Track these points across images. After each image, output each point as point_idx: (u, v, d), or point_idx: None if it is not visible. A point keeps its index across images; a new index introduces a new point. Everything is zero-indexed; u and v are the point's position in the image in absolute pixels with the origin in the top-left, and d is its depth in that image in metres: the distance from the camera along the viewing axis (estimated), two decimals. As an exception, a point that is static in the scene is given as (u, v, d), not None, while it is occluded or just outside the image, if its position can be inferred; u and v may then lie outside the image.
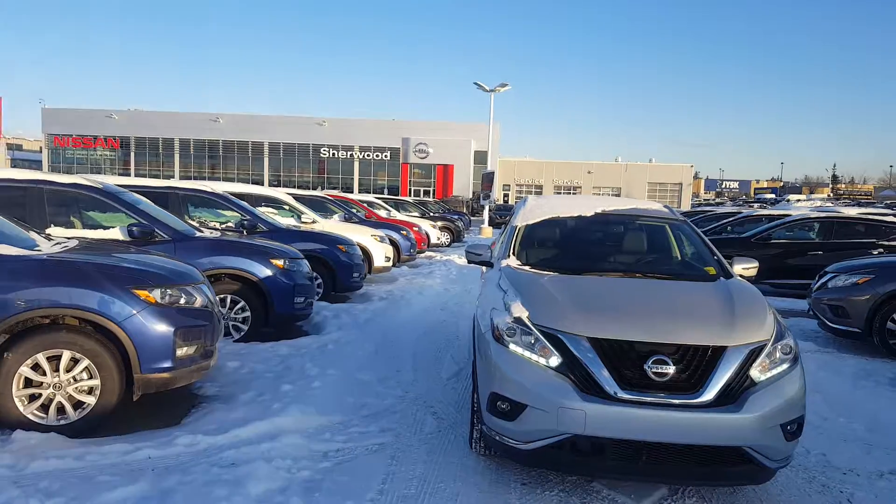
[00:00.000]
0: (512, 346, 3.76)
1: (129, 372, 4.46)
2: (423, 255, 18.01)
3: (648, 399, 3.46)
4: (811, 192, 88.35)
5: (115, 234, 6.51)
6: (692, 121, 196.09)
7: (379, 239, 12.38)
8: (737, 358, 3.56)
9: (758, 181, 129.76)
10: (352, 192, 53.91)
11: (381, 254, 12.37)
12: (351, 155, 67.72)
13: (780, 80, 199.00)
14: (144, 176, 61.35)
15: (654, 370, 3.50)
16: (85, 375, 4.37)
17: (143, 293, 4.51)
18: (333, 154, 68.00)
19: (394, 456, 4.25)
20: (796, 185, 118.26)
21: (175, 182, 9.82)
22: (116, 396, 4.42)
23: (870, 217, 13.37)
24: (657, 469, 3.56)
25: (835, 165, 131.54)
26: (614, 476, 3.77)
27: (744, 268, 5.00)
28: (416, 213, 24.76)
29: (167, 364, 4.56)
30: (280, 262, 7.05)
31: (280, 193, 12.51)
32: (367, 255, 11.96)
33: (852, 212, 16.32)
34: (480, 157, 61.47)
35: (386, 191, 60.44)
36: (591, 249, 5.51)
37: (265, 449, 4.17)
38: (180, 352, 4.64)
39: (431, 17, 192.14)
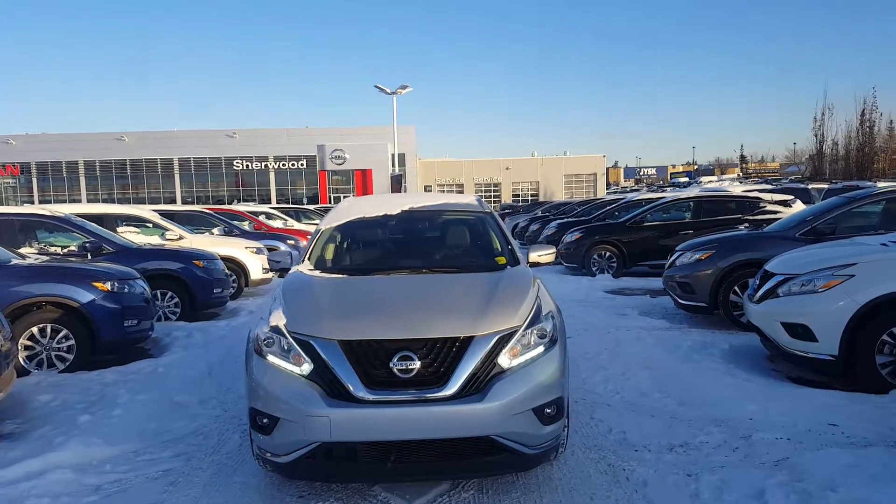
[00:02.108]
0: (270, 358, 3.63)
1: None
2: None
3: (393, 398, 3.39)
4: (722, 174, 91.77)
5: (-89, 269, 6.06)
6: (606, 112, 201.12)
7: (255, 251, 12.05)
8: (483, 347, 3.51)
9: (674, 166, 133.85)
10: (269, 202, 52.95)
11: (257, 266, 12.02)
12: (266, 166, 66.45)
13: (686, 65, 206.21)
14: (50, 202, 58.63)
15: (399, 367, 3.42)
16: None
17: None
18: (247, 166, 66.53)
19: (174, 482, 4.05)
20: (710, 168, 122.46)
21: (7, 208, 9.29)
22: None
23: (735, 195, 13.86)
24: (412, 468, 3.49)
25: (742, 146, 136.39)
26: (370, 480, 3.71)
27: (539, 255, 5.02)
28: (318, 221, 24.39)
29: (-71, 406, 4.24)
30: (104, 285, 6.71)
31: (144, 211, 12.07)
32: (242, 269, 11.65)
33: (737, 190, 16.95)
34: (399, 160, 61.36)
35: (306, 200, 59.62)
36: (388, 248, 5.47)
37: (24, 488, 3.90)
38: (-55, 392, 4.31)
39: (336, 21, 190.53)
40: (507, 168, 75.13)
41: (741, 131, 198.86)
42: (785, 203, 12.85)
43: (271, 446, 3.54)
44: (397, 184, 33.76)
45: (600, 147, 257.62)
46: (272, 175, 66.55)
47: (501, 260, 4.87)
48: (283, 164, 66.47)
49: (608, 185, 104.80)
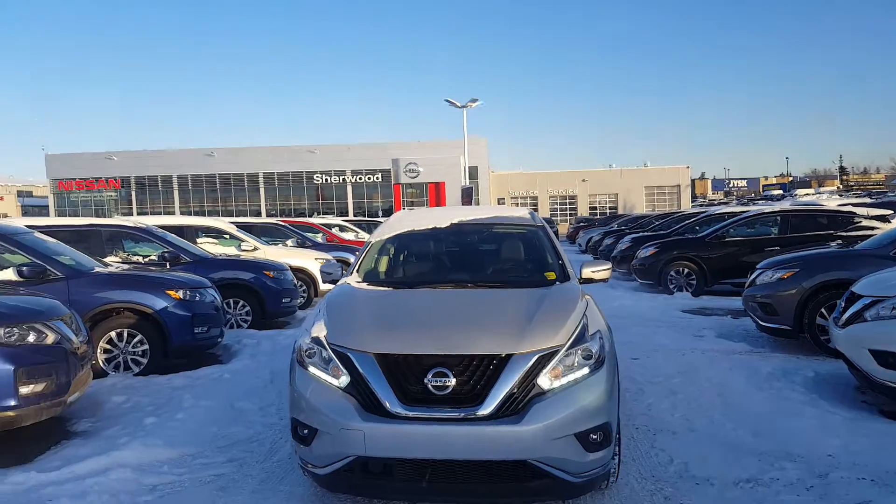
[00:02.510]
0: (311, 369, 3.63)
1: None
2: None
3: (427, 415, 3.30)
4: (819, 186, 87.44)
5: (8, 274, 6.43)
6: (692, 122, 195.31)
7: (324, 262, 12.28)
8: (521, 366, 3.38)
9: (766, 178, 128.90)
10: (346, 215, 54.12)
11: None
12: (344, 179, 68.04)
13: (778, 73, 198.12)
14: (147, 214, 61.82)
15: (434, 384, 3.34)
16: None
17: (-24, 333, 4.40)
18: (327, 180, 68.32)
19: (223, 486, 4.11)
20: (805, 180, 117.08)
21: (96, 220, 9.82)
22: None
23: (826, 209, 13.13)
24: (447, 488, 3.39)
25: (841, 157, 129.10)
26: (404, 498, 3.61)
27: (592, 270, 4.86)
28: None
29: (10, 402, 4.46)
30: (177, 293, 6.94)
31: (221, 223, 12.53)
32: (312, 279, 11.90)
33: (832, 204, 16.09)
34: (472, 173, 61.53)
35: (381, 213, 60.61)
36: (435, 262, 5.43)
37: (89, 484, 4.05)
38: (25, 389, 4.53)
39: (416, 34, 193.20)
40: (583, 180, 74.02)
41: (840, 141, 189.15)
42: (883, 218, 12.06)
43: (311, 457, 3.53)
44: (467, 196, 33.76)
45: (684, 158, 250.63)
46: (349, 188, 68.03)
47: (551, 275, 4.73)
48: (360, 178, 67.87)
49: (694, 197, 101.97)
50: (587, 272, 4.89)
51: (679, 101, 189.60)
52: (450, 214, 5.70)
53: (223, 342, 8.14)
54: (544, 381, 3.41)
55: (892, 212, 12.58)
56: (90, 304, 6.55)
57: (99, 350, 6.67)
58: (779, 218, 13.18)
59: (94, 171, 69.21)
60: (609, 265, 5.09)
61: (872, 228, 11.52)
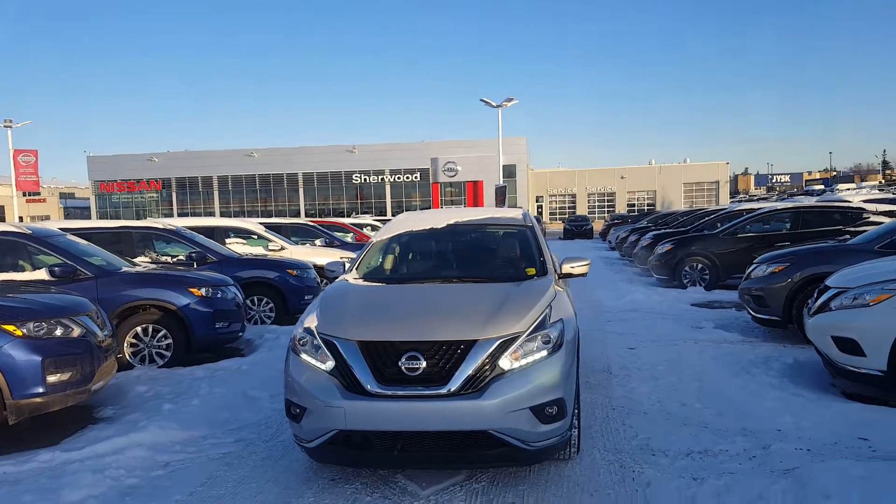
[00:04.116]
0: (303, 356, 4.13)
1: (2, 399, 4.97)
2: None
3: (401, 392, 3.78)
4: (862, 181, 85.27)
5: (41, 274, 7.10)
6: (734, 117, 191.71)
7: (330, 261, 12.81)
8: (485, 350, 3.83)
9: (810, 173, 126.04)
10: (385, 215, 54.96)
11: (351, 275, 12.81)
12: (382, 179, 68.85)
13: (822, 63, 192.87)
14: (188, 215, 63.65)
15: (407, 366, 3.81)
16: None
17: (9, 327, 5.02)
18: (366, 179, 69.21)
19: (229, 463, 4.63)
20: (849, 174, 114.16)
21: (127, 222, 10.50)
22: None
23: (834, 205, 13.21)
24: (417, 456, 3.88)
25: (885, 151, 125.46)
26: (381, 465, 4.13)
27: (571, 266, 5.27)
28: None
29: (38, 390, 5.07)
30: (199, 291, 7.54)
31: (250, 224, 13.17)
32: (335, 278, 12.46)
33: (857, 199, 16.04)
34: (509, 171, 61.79)
35: (419, 210, 61.27)
36: (428, 260, 5.87)
37: (108, 461, 4.60)
38: (52, 378, 5.13)
39: (455, 33, 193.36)
40: (622, 177, 73.62)
41: (884, 135, 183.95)
42: (892, 214, 12.12)
43: (301, 433, 4.04)
44: (501, 195, 34.25)
45: (726, 154, 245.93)
46: (388, 188, 68.85)
47: (531, 271, 5.14)
48: (399, 178, 68.59)
49: (735, 193, 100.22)
50: (566, 268, 5.33)
51: (724, 95, 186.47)
52: (447, 216, 6.16)
53: (245, 336, 8.75)
54: (505, 362, 3.87)
55: (900, 206, 12.60)
56: (118, 301, 7.18)
57: (125, 344, 7.30)
58: (791, 214, 13.32)
59: (136, 173, 71.32)
60: (587, 261, 5.47)
61: (880, 224, 11.57)
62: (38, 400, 5.08)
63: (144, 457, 4.71)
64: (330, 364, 3.98)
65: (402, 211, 62.89)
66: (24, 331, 5.08)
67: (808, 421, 4.92)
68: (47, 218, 66.38)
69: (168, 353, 7.45)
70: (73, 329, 5.38)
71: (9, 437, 5.11)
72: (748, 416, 5.12)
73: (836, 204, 13.55)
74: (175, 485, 4.27)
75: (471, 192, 66.51)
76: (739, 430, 4.85)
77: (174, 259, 9.81)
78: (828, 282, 6.16)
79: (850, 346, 5.42)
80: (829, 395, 5.70)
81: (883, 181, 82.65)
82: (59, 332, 5.27)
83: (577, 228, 44.79)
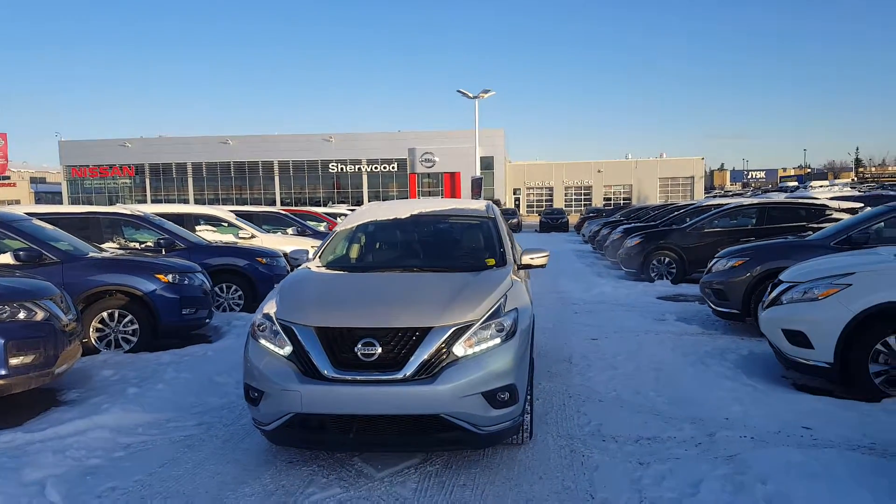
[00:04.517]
0: (261, 341, 4.21)
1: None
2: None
3: (357, 378, 3.88)
4: (835, 178, 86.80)
5: (6, 258, 7.08)
6: (710, 112, 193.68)
7: (294, 249, 12.87)
8: (439, 337, 3.94)
9: (784, 170, 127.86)
10: (362, 204, 54.89)
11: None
12: (359, 169, 68.76)
13: (796, 61, 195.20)
14: (161, 201, 62.97)
15: (363, 352, 3.91)
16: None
17: (-29, 310, 5.03)
18: (342, 169, 69.06)
19: (191, 445, 4.71)
20: (822, 172, 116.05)
21: (94, 208, 10.44)
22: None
23: (799, 201, 13.53)
24: (371, 439, 3.99)
25: (857, 149, 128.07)
26: (337, 448, 4.26)
27: (530, 258, 5.40)
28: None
29: (1, 372, 5.09)
30: (166, 277, 7.56)
31: (221, 212, 13.13)
32: (306, 266, 12.50)
33: (826, 196, 16.38)
34: (487, 163, 62.00)
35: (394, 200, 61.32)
36: (390, 249, 5.98)
37: (69, 442, 4.65)
38: (14, 361, 5.16)
39: (430, 23, 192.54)
40: (598, 171, 74.23)
41: (858, 133, 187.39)
42: (853, 211, 12.44)
43: (259, 415, 4.12)
44: (477, 187, 34.45)
45: (703, 149, 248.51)
46: (365, 178, 68.76)
47: (491, 261, 5.25)
48: (376, 168, 68.50)
49: (711, 188, 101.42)
50: (526, 259, 5.47)
51: (700, 91, 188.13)
52: (412, 206, 6.24)
53: (213, 323, 8.78)
54: (459, 349, 3.98)
55: (861, 205, 12.93)
56: (84, 286, 7.18)
57: (91, 329, 7.31)
58: (757, 210, 13.62)
59: (108, 158, 70.40)
60: (546, 252, 5.61)
61: (840, 221, 11.90)
62: (1, 382, 5.10)
63: (107, 438, 4.76)
64: (288, 349, 4.07)
65: (380, 200, 62.84)
66: (-15, 313, 5.09)
67: (755, 410, 5.10)
68: (17, 202, 65.30)
69: (134, 339, 7.47)
70: (36, 313, 5.39)
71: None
72: (699, 405, 5.29)
73: (801, 201, 13.86)
74: (136, 465, 4.34)
75: (448, 184, 66.71)
76: (689, 418, 5.02)
77: (142, 245, 9.80)
78: (781, 276, 6.36)
79: (799, 338, 5.61)
80: (781, 386, 5.89)
81: (855, 178, 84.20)
82: (22, 315, 5.29)
83: (553, 221, 45.10)
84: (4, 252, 7.19)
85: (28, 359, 5.25)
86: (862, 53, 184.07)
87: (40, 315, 5.43)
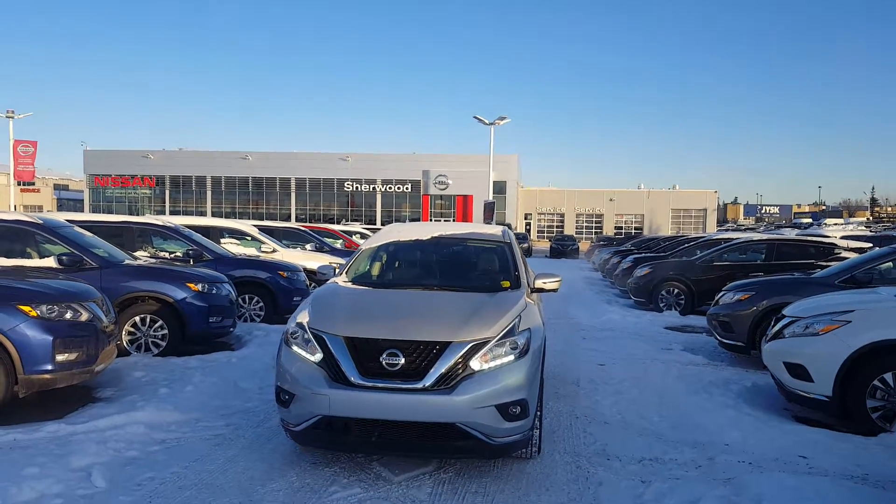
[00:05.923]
0: (294, 347, 4.56)
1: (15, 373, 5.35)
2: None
3: (381, 385, 4.21)
4: (850, 216, 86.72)
5: (49, 262, 7.49)
6: (725, 146, 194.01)
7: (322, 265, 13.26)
8: (458, 351, 4.27)
9: (799, 206, 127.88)
10: (375, 223, 55.51)
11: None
12: (374, 188, 69.39)
13: (814, 99, 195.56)
14: (180, 213, 63.84)
15: (388, 361, 4.25)
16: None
17: (26, 308, 5.42)
18: (357, 188, 69.74)
19: (220, 443, 5.04)
20: (837, 209, 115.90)
21: (128, 218, 10.90)
22: (1, 394, 5.30)
23: (808, 239, 13.78)
24: (391, 442, 4.31)
25: (873, 188, 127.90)
26: (360, 450, 4.57)
27: (543, 282, 5.73)
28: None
29: (48, 367, 5.46)
30: (196, 286, 7.94)
31: (245, 226, 13.57)
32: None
33: (838, 234, 16.63)
34: (500, 187, 62.47)
35: (408, 221, 61.87)
36: (411, 268, 6.35)
37: (109, 434, 5.01)
38: (61, 357, 5.53)
39: (451, 50, 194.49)
40: (610, 199, 74.56)
41: (874, 172, 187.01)
42: (861, 251, 12.68)
43: (289, 417, 4.45)
44: (490, 211, 34.91)
45: (716, 182, 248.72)
46: (379, 197, 69.38)
47: (506, 283, 5.59)
48: (390, 188, 69.14)
49: (723, 221, 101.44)
50: (539, 283, 5.79)
51: (716, 124, 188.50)
52: (433, 229, 6.61)
53: (235, 332, 9.15)
54: (476, 363, 4.31)
55: (870, 245, 13.17)
56: (119, 291, 7.57)
57: (124, 332, 7.69)
58: (766, 246, 13.89)
59: (131, 169, 71.48)
60: (558, 278, 5.94)
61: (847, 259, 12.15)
62: (47, 376, 5.48)
63: (142, 433, 5.11)
64: (318, 356, 4.40)
65: (392, 221, 63.58)
66: (39, 312, 5.48)
67: (754, 438, 5.36)
68: (40, 208, 66.39)
69: (163, 343, 7.84)
70: (81, 314, 5.77)
71: (18, 409, 5.51)
72: (701, 431, 5.56)
73: (810, 238, 14.11)
74: (171, 458, 4.68)
75: (460, 206, 67.45)
76: (691, 442, 5.30)
77: (171, 255, 10.20)
78: (785, 311, 6.64)
79: (799, 371, 5.88)
80: (781, 417, 6.12)
81: (871, 218, 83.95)
82: (69, 315, 5.67)
83: (563, 248, 45.37)
84: (46, 256, 7.60)
85: (72, 356, 5.62)
86: (880, 93, 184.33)
87: (85, 316, 5.81)
